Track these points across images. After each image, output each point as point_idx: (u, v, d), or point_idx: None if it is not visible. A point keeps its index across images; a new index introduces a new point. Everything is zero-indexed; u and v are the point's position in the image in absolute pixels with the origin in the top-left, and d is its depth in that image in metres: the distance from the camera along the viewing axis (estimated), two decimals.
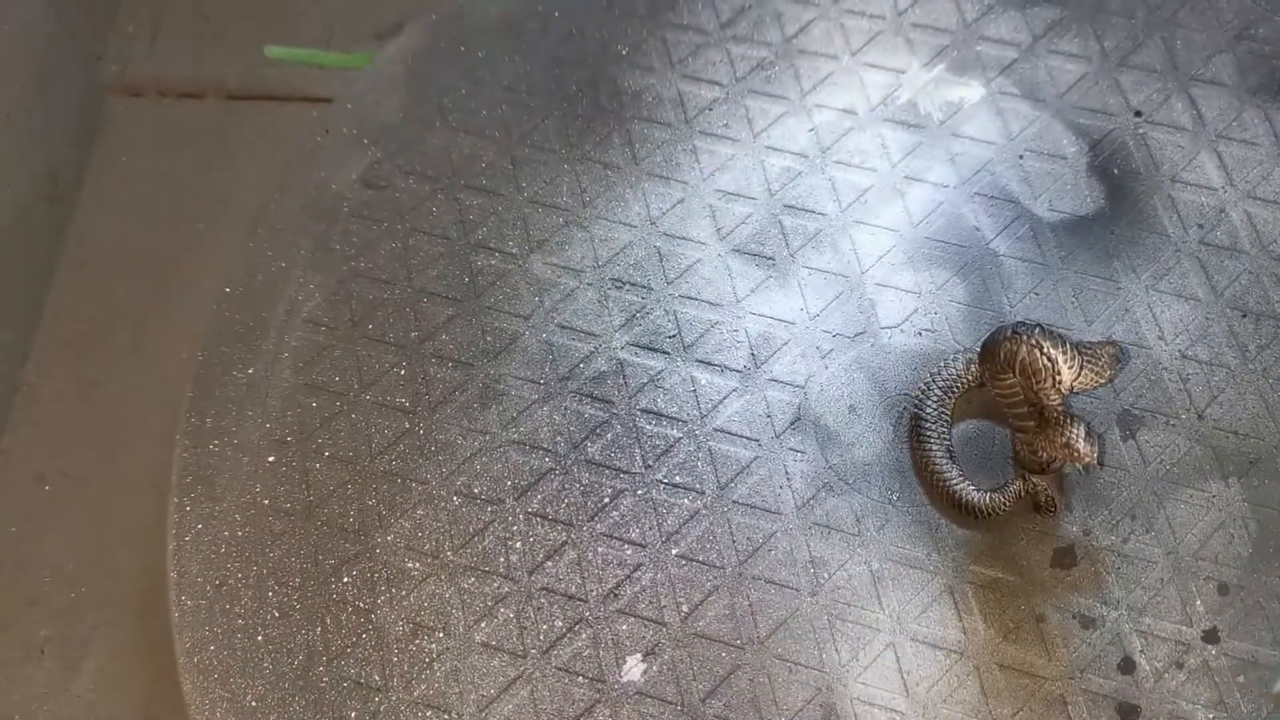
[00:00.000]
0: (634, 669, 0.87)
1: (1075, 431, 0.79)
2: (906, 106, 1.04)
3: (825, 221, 1.00)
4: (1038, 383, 0.77)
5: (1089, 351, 0.81)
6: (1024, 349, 0.77)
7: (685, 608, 0.88)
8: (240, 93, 1.33)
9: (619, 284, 0.99)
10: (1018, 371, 0.78)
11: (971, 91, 1.04)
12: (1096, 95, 1.04)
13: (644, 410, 0.94)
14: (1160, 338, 0.94)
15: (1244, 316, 0.95)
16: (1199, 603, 0.86)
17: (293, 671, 0.88)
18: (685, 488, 0.91)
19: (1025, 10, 1.07)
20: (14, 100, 1.21)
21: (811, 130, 1.03)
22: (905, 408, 0.92)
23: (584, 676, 0.86)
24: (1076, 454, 0.79)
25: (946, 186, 1.01)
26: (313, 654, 0.88)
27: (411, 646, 0.88)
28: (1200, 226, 0.98)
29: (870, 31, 1.07)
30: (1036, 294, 0.96)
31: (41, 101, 1.26)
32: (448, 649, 0.88)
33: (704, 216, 1.01)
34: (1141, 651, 0.85)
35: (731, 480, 0.91)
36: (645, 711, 0.85)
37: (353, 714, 0.86)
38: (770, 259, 0.99)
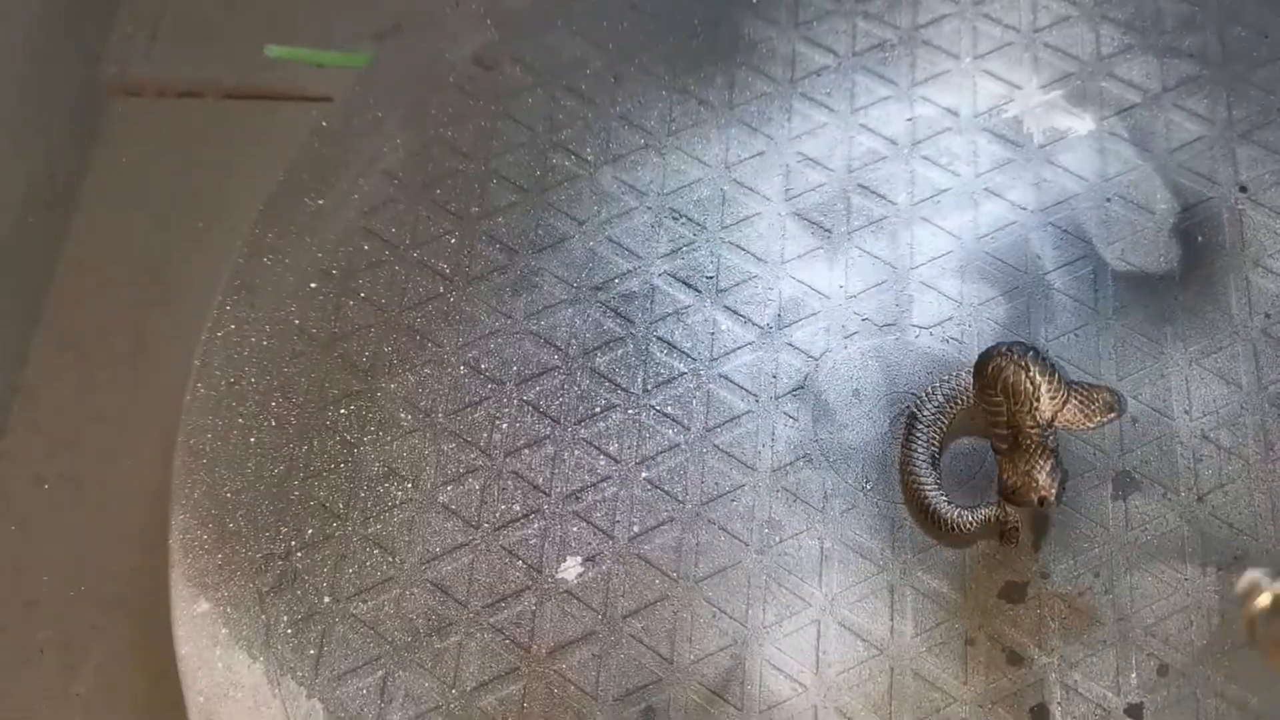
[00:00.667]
0: (571, 569, 0.90)
1: (1040, 463, 0.78)
2: (1010, 122, 1.03)
3: (892, 210, 1.00)
4: (1017, 404, 0.77)
5: (1083, 392, 0.79)
6: (1011, 369, 0.77)
7: (636, 528, 0.91)
8: (239, 92, 1.31)
9: (676, 215, 1.01)
10: (999, 390, 0.77)
11: (1080, 124, 1.02)
12: (1207, 160, 1.00)
13: (660, 338, 0.97)
14: (1186, 411, 0.91)
15: None
16: (1134, 676, 0.84)
17: (271, 478, 0.94)
18: (674, 420, 0.94)
19: (1163, 59, 1.04)
20: (13, 101, 1.20)
21: (909, 120, 1.03)
22: (908, 406, 0.92)
23: (524, 562, 0.90)
24: (1034, 484, 0.78)
25: (1023, 209, 0.99)
26: (293, 468, 0.94)
27: (380, 488, 0.93)
28: (1267, 316, 0.94)
29: (999, 40, 1.06)
30: (1076, 335, 0.94)
31: (40, 102, 1.24)
32: (411, 500, 0.92)
33: (777, 174, 1.02)
34: (1059, 703, 0.83)
35: (719, 425, 0.93)
36: (568, 610, 0.88)
37: (309, 530, 0.92)
38: (827, 231, 1.00)
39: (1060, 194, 1.00)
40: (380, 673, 0.88)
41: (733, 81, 1.06)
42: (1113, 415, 0.81)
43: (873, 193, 1.01)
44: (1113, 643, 0.85)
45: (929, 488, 0.88)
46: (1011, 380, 0.77)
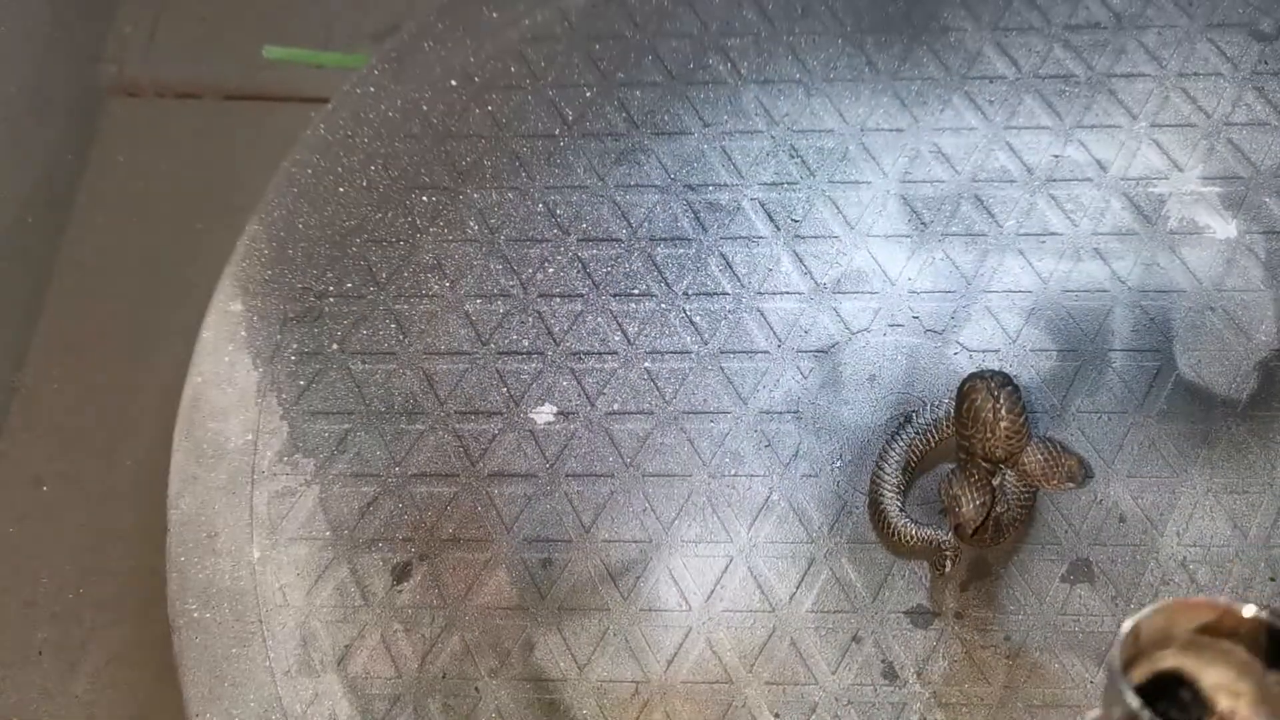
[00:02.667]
0: (544, 414, 0.95)
1: (971, 494, 0.77)
2: (1153, 197, 0.99)
3: (994, 231, 0.98)
4: (974, 429, 0.76)
5: (1052, 451, 0.78)
6: (982, 394, 0.76)
7: (616, 406, 0.94)
8: (238, 93, 1.31)
9: (793, 153, 1.03)
10: (965, 410, 0.77)
11: (1222, 227, 0.97)
12: None
13: (722, 254, 0.99)
14: (1178, 534, 0.88)
15: (1273, 580, 0.87)
16: None
17: (340, 227, 1.02)
18: (696, 329, 0.96)
19: None
20: (12, 101, 1.19)
21: (1055, 156, 1.01)
22: (913, 409, 0.92)
23: (508, 390, 0.95)
24: (957, 511, 0.78)
25: (1121, 281, 0.96)
26: (361, 227, 1.02)
27: (422, 275, 1.00)
28: None
29: (1183, 117, 1.02)
30: (1108, 418, 0.92)
31: (39, 102, 1.23)
32: (442, 296, 0.99)
33: (901, 156, 1.02)
34: None
35: (734, 352, 0.96)
36: (524, 447, 0.93)
37: (349, 284, 1.00)
38: (923, 225, 0.99)
39: (1166, 283, 0.96)
40: (346, 426, 0.95)
41: (907, 55, 1.06)
42: (1072, 485, 0.79)
43: (984, 207, 0.99)
44: (989, 706, 0.84)
45: (888, 487, 0.88)
46: (977, 404, 0.76)
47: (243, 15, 1.35)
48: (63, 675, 1.06)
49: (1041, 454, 0.79)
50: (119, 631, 1.06)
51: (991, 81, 1.04)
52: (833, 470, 0.92)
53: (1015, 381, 0.78)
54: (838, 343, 0.96)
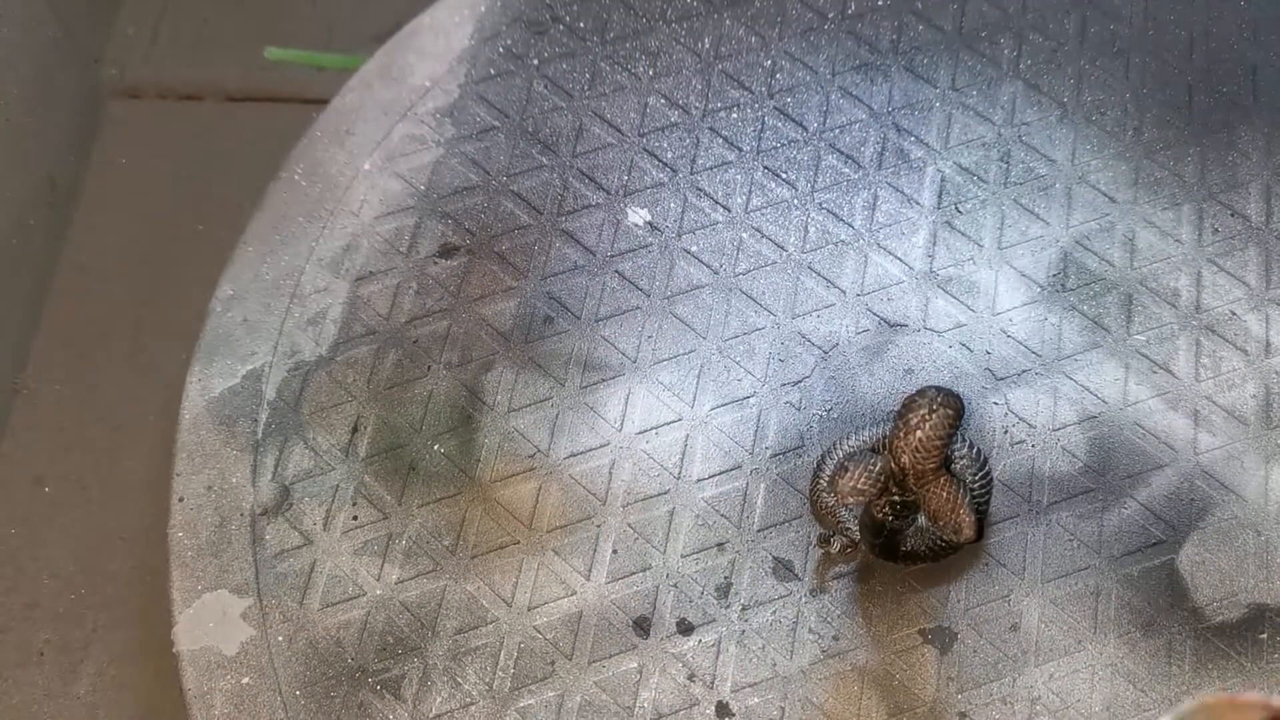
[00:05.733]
0: (638, 216, 0.95)
1: (858, 473, 0.75)
2: (1228, 316, 0.91)
3: (1045, 292, 0.93)
4: (899, 423, 0.73)
5: (958, 499, 0.73)
6: (922, 401, 0.73)
7: (695, 246, 0.95)
8: (240, 94, 1.31)
9: (900, 131, 0.99)
10: (902, 406, 0.74)
11: None
12: None
13: (831, 153, 0.98)
14: (1048, 677, 0.81)
15: None
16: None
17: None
18: (772, 240, 0.95)
19: None
20: (13, 103, 1.19)
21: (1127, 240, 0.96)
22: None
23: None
24: (836, 478, 0.76)
25: (1177, 379, 0.89)
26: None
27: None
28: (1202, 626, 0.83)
29: None
30: (1089, 498, 0.85)
31: (41, 104, 1.24)
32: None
33: (997, 161, 0.98)
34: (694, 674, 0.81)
35: (818, 273, 0.93)
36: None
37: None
38: (980, 244, 0.94)
39: (1205, 406, 0.89)
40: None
41: (1020, 42, 1.02)
42: (955, 538, 0.74)
43: (1092, 251, 0.93)
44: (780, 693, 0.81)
45: (830, 462, 0.84)
46: (911, 407, 0.73)
47: (244, 17, 1.35)
48: (65, 676, 1.06)
49: (946, 493, 0.74)
50: (121, 633, 1.05)
51: (1102, 161, 1.00)
52: (818, 414, 0.88)
53: (962, 414, 0.73)
54: (906, 327, 0.92)
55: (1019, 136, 0.98)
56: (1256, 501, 0.85)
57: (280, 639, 0.83)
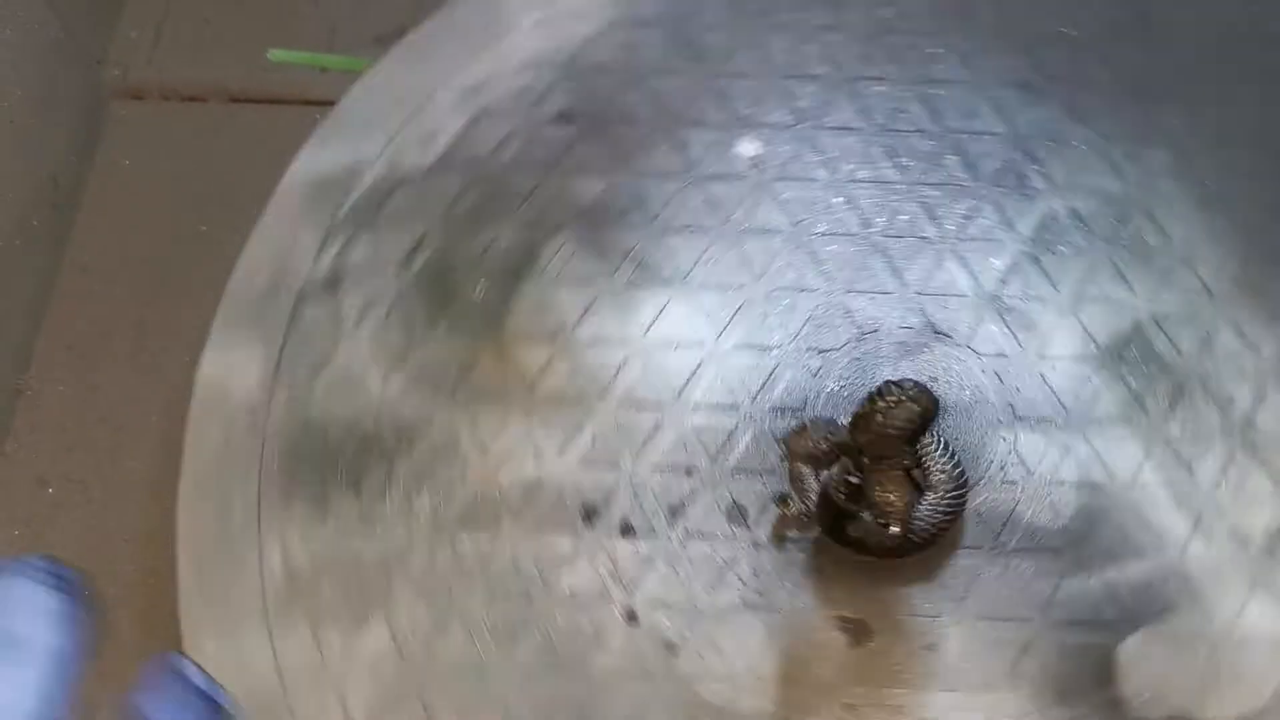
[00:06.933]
0: (748, 148, 0.93)
1: (814, 436, 0.77)
2: (1274, 440, 0.84)
3: (1098, 350, 0.89)
4: (869, 401, 0.74)
5: (900, 495, 0.74)
6: (893, 394, 0.73)
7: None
8: (242, 95, 1.32)
9: (1029, 157, 0.95)
10: (879, 386, 0.74)
11: None
12: None
13: (954, 155, 0.95)
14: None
15: None
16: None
17: None
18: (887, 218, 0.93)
19: None
20: (16, 104, 1.20)
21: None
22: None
23: (726, 112, 0.94)
24: (794, 437, 0.79)
25: (1195, 481, 0.84)
26: None
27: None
28: None
29: None
30: (1055, 556, 0.81)
31: (43, 105, 1.24)
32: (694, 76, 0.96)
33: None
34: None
35: (894, 244, 0.91)
36: (711, 189, 0.92)
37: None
38: (1058, 288, 0.89)
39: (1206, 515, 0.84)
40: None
41: (1193, 116, 0.94)
42: (881, 525, 0.74)
43: (1165, 333, 0.89)
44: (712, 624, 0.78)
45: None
46: (883, 392, 0.73)
47: (246, 18, 1.35)
48: None
49: (893, 491, 0.74)
50: (124, 634, 1.05)
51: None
52: (830, 387, 0.86)
53: (931, 416, 0.74)
54: (950, 338, 0.89)
55: (1145, 201, 0.95)
56: (1224, 622, 0.81)
57: (280, 409, 0.85)
